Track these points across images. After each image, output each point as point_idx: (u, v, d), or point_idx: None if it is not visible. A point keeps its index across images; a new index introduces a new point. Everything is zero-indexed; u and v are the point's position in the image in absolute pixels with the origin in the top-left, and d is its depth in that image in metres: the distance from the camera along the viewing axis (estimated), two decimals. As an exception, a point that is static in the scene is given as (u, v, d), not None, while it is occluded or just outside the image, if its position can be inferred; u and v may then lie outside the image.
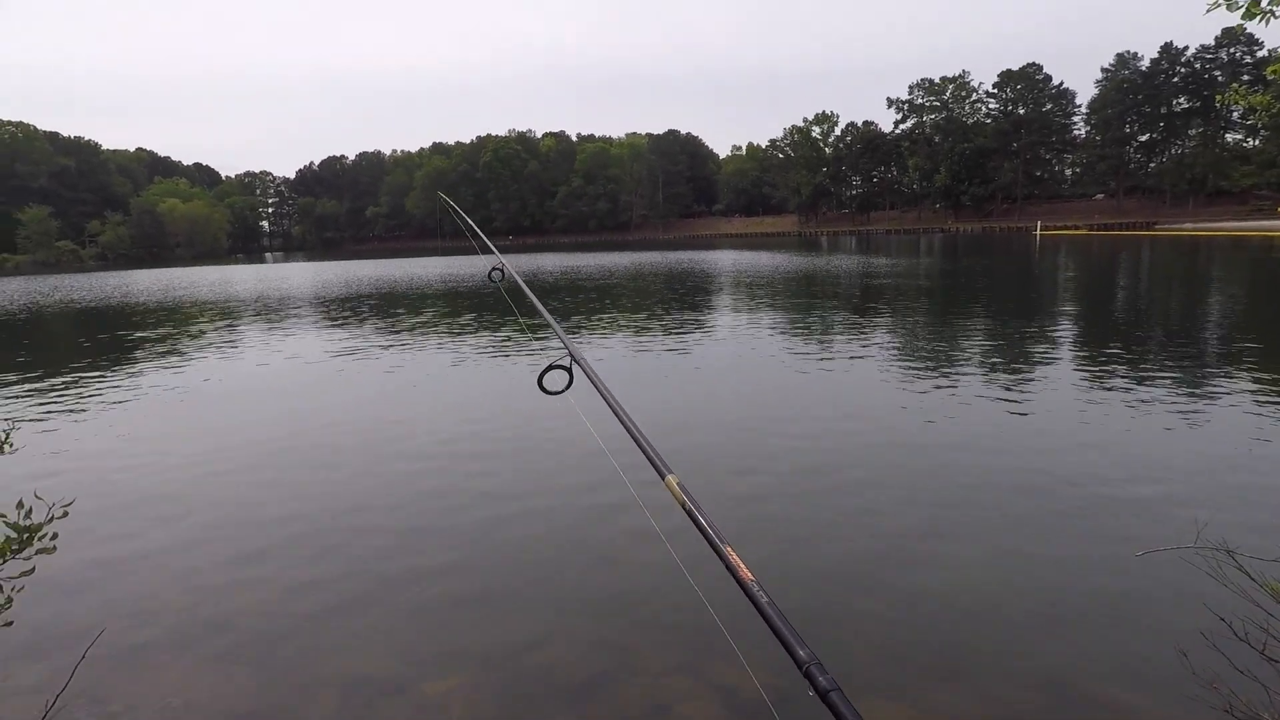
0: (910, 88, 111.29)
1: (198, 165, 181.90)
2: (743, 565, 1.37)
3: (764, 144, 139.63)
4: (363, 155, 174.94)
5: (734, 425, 10.20)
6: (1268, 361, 13.06)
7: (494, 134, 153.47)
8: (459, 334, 20.16)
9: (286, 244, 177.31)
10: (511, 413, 11.15)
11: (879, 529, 6.51)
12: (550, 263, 57.34)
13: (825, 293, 28.41)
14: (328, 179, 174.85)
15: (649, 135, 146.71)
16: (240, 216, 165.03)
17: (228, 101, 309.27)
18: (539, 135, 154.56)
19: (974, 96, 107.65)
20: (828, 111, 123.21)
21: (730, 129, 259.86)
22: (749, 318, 21.59)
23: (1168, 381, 11.47)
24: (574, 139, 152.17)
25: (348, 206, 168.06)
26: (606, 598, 5.52)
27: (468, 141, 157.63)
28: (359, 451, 9.54)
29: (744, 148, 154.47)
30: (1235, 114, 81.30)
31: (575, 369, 2.62)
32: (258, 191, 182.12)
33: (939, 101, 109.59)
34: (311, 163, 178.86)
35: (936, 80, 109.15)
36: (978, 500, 7.09)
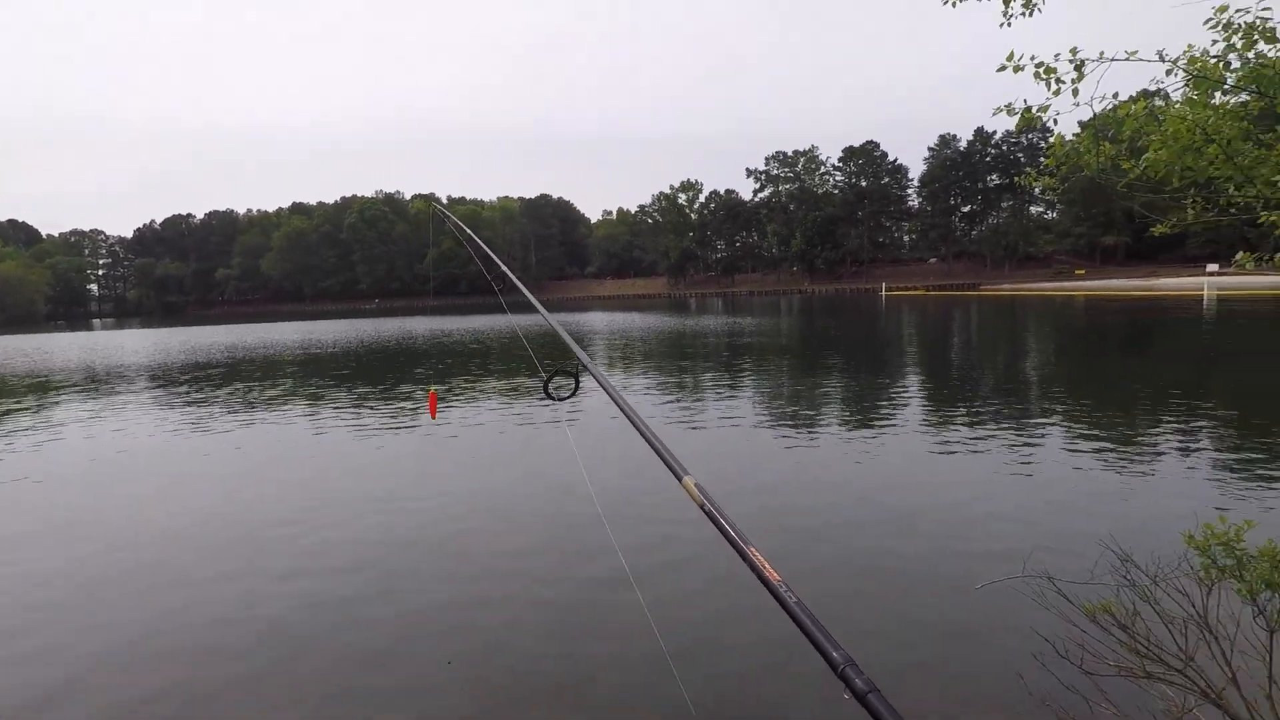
0: (766, 159, 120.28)
1: (11, 222, 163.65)
2: (768, 565, 1.30)
3: (634, 209, 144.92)
4: (213, 214, 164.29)
5: (613, 487, 10.19)
6: (1074, 405, 14.80)
7: (360, 195, 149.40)
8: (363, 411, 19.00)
9: (120, 309, 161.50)
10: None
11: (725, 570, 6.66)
12: (420, 326, 55.75)
13: (696, 352, 29.39)
14: (171, 239, 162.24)
15: (521, 199, 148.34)
16: (63, 278, 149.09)
17: (51, 152, 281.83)
18: (408, 197, 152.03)
19: (823, 169, 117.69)
20: (692, 180, 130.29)
21: (601, 194, 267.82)
22: (623, 378, 21.88)
23: (995, 425, 12.71)
24: (444, 201, 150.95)
25: (194, 268, 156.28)
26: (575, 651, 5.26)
27: (331, 202, 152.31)
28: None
29: (614, 212, 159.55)
30: (1036, 190, 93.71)
31: (584, 375, 2.62)
32: (86, 251, 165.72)
33: (792, 173, 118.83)
34: (153, 221, 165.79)
35: (789, 153, 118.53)
36: (832, 541, 7.45)
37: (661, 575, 6.72)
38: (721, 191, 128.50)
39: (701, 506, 1.50)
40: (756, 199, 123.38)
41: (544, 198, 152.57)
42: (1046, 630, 4.20)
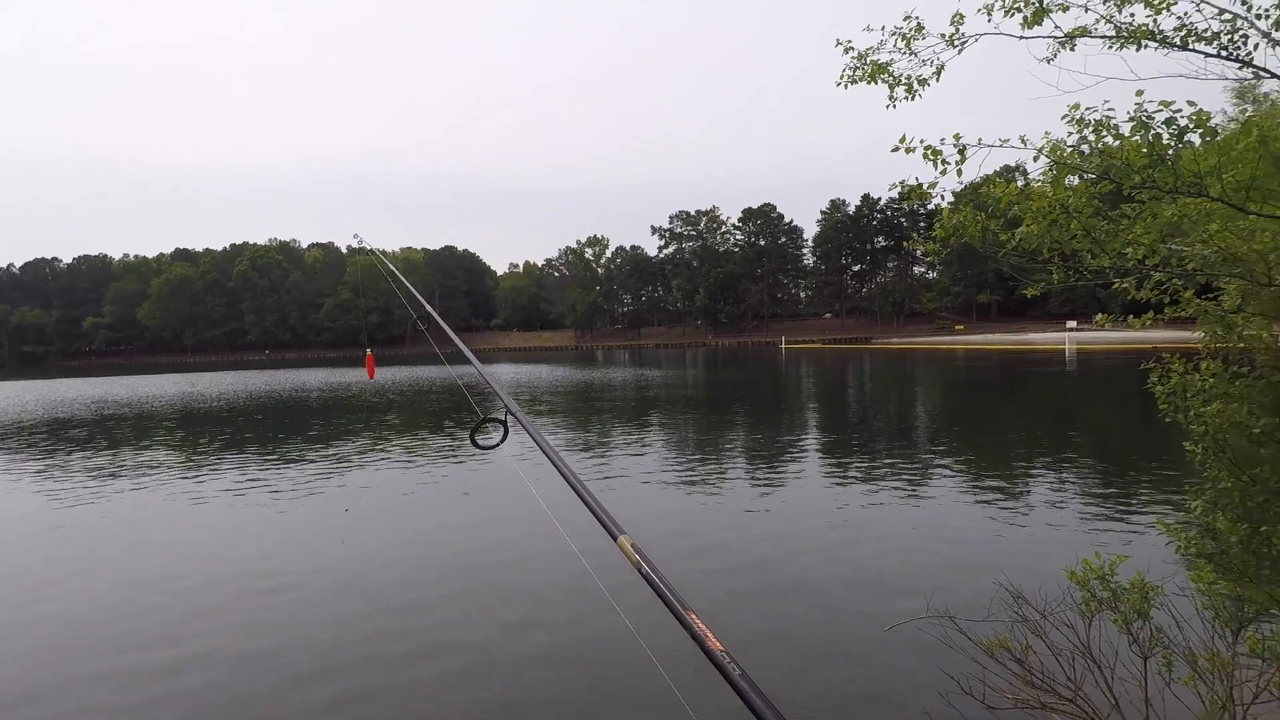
0: (670, 218, 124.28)
1: None
2: (710, 634, 1.20)
3: (540, 263, 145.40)
4: (82, 258, 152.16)
5: (520, 541, 9.99)
6: (960, 451, 15.80)
7: (252, 242, 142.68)
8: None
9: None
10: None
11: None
12: (313, 378, 53.17)
13: (606, 405, 29.46)
14: (33, 284, 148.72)
15: (425, 250, 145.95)
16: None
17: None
18: (304, 245, 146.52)
19: (723, 228, 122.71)
20: (599, 235, 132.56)
21: (508, 248, 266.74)
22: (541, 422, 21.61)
23: (890, 472, 13.39)
24: (344, 251, 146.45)
25: (58, 316, 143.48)
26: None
27: (219, 248, 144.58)
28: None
29: (521, 265, 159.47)
30: (918, 253, 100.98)
31: (511, 422, 2.52)
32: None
33: (695, 231, 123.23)
34: (11, 265, 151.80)
35: (692, 212, 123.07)
36: (745, 590, 7.57)
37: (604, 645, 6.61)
38: (628, 247, 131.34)
39: (639, 568, 1.39)
40: (661, 255, 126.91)
41: (449, 250, 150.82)
42: (951, 668, 4.42)
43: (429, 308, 4.47)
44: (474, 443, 2.60)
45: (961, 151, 4.04)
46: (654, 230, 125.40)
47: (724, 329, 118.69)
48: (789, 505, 11.37)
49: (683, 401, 29.72)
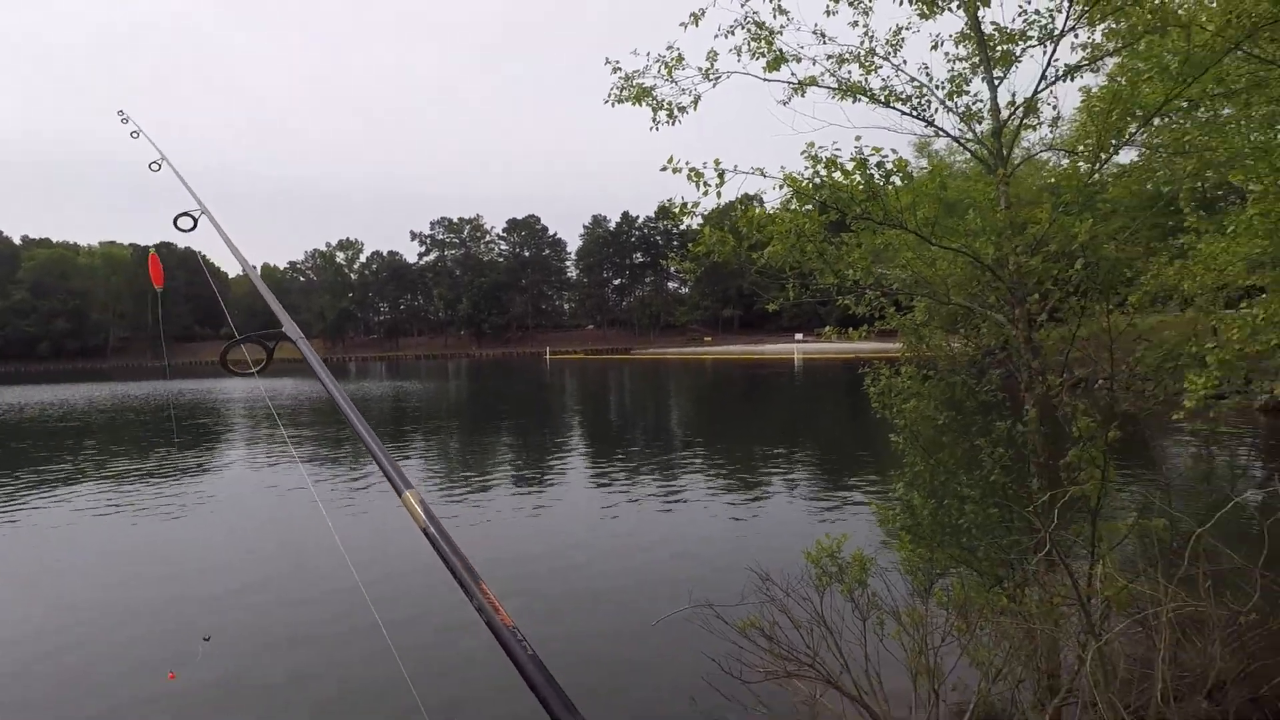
0: (431, 224, 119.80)
1: None
2: (501, 608, 1.08)
3: (283, 266, 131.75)
4: None
5: (255, 586, 8.92)
6: (710, 451, 17.21)
7: None
8: None
9: None
10: None
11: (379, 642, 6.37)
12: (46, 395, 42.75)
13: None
14: None
15: (133, 245, 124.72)
16: None
17: None
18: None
19: (488, 237, 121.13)
20: (352, 238, 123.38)
21: (244, 248, 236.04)
22: (267, 450, 19.42)
23: (648, 473, 14.17)
24: (16, 242, 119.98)
25: None
26: None
27: None
28: None
29: (259, 268, 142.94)
30: (672, 269, 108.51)
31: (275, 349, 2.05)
32: None
33: (458, 239, 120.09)
34: None
35: (455, 220, 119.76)
36: (521, 593, 7.53)
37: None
38: (384, 253, 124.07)
39: (425, 530, 1.25)
40: (422, 262, 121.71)
41: (165, 246, 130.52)
42: (712, 651, 4.77)
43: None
44: (226, 366, 2.14)
45: (721, 175, 4.42)
46: (414, 236, 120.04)
47: (488, 339, 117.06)
48: (557, 512, 11.51)
49: (445, 413, 28.73)
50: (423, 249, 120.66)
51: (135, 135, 3.45)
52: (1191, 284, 7.71)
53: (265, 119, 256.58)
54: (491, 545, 9.79)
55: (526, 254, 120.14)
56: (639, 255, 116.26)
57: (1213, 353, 6.99)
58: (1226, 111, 11.34)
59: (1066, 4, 5.78)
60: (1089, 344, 5.16)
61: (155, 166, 3.19)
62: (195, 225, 2.79)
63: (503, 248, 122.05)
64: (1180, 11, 6.55)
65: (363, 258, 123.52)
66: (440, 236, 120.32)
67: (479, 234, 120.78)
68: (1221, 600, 3.55)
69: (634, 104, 5.97)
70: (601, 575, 8.34)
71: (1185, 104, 6.42)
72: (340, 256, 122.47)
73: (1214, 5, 7.46)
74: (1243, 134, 11.60)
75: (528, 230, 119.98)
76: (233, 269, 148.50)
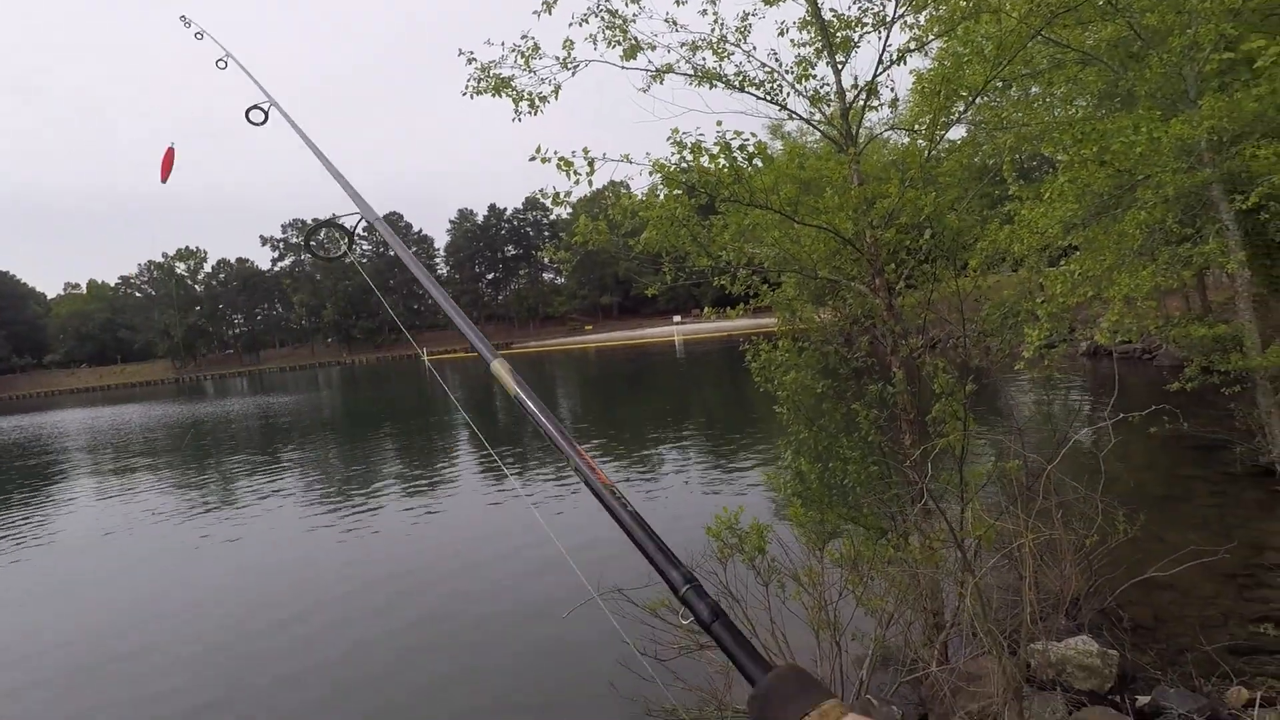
0: (283, 227, 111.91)
1: None
2: (598, 469, 1.08)
3: (114, 281, 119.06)
4: None
5: (138, 619, 8.13)
6: (602, 438, 17.32)
7: None
8: None
9: None
10: None
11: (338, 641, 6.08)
12: None
13: (220, 441, 25.41)
14: None
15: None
16: None
17: None
18: None
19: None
20: (193, 247, 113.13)
21: (62, 264, 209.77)
22: (121, 483, 17.63)
23: (545, 468, 14.09)
24: None
25: None
26: None
27: None
28: None
29: (84, 286, 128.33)
30: (546, 260, 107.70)
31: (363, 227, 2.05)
32: None
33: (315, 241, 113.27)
34: None
35: (309, 221, 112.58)
36: (433, 601, 7.32)
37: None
38: (233, 261, 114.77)
39: (515, 397, 1.35)
40: (277, 268, 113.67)
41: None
42: (625, 634, 4.83)
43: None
44: (310, 250, 2.16)
45: (591, 164, 4.43)
46: (265, 241, 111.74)
47: (360, 345, 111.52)
48: (451, 516, 11.24)
49: (318, 425, 27.17)
50: (276, 254, 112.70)
51: (199, 36, 3.26)
52: (1019, 246, 8.54)
53: (76, 121, 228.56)
54: (389, 556, 9.42)
55: (393, 253, 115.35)
56: (510, 248, 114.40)
57: (1042, 307, 7.80)
58: (1034, 90, 12.59)
59: (896, -9, 6.21)
60: (942, 307, 5.64)
61: (221, 64, 3.10)
62: (266, 118, 2.67)
63: (365, 248, 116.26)
64: (991, -1, 7.16)
65: (208, 267, 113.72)
66: (295, 240, 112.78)
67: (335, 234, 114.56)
68: (1070, 528, 4.03)
69: (493, 95, 5.86)
70: (506, 575, 8.23)
71: (1000, 84, 7.04)
72: (181, 267, 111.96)
73: (1018, -6, 8.25)
74: (1049, 109, 12.93)
75: (391, 228, 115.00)
76: (50, 288, 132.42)
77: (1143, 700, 4.31)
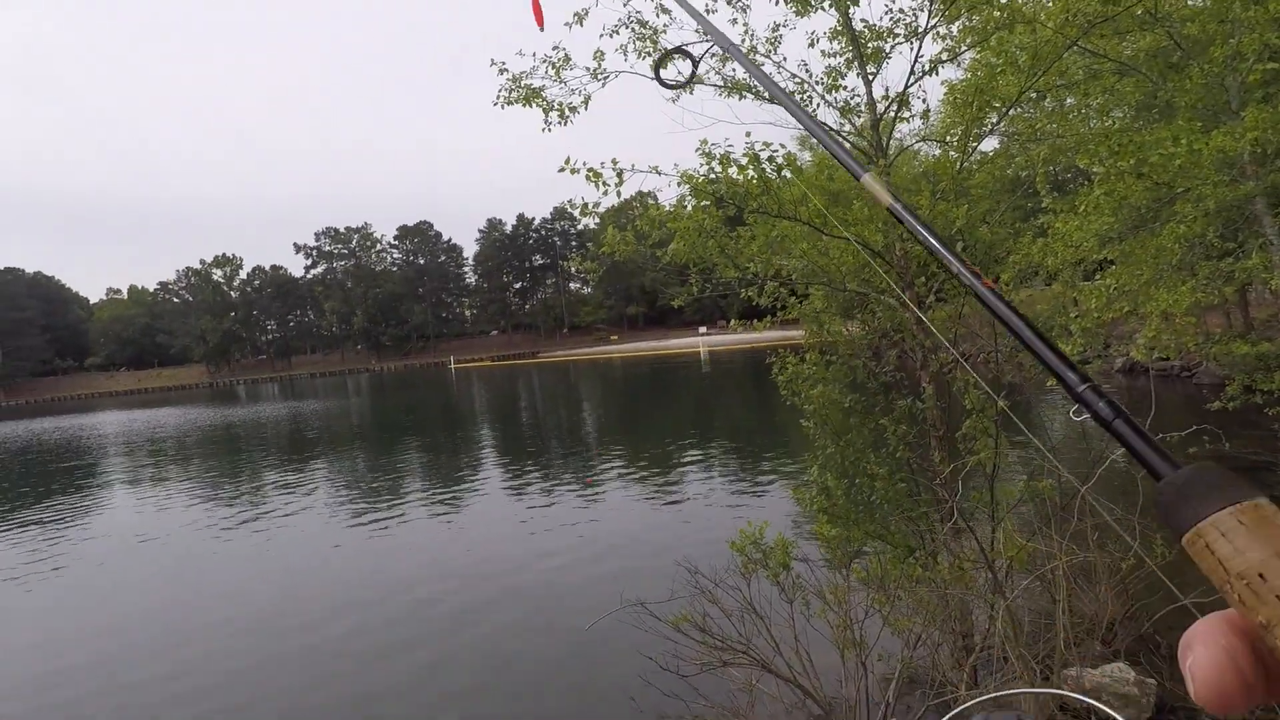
0: (317, 235, 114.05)
1: None
2: (979, 272, 1.04)
3: (154, 287, 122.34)
4: None
5: (158, 623, 8.26)
6: (627, 449, 17.29)
7: None
8: None
9: None
10: None
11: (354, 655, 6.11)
12: None
13: (252, 445, 25.85)
14: None
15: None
16: None
17: None
18: None
19: (378, 246, 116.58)
20: (229, 254, 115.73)
21: (104, 269, 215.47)
22: (155, 488, 18.00)
23: (567, 477, 14.09)
24: None
25: None
26: None
27: None
28: None
29: (125, 291, 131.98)
30: (574, 269, 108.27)
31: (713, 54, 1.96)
32: None
33: (347, 249, 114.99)
34: None
35: (342, 229, 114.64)
36: (459, 619, 7.34)
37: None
38: (267, 268, 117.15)
39: (890, 209, 1.35)
40: (309, 276, 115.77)
41: (12, 272, 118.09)
42: (647, 649, 4.80)
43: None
44: (660, 80, 2.04)
45: (619, 175, 4.44)
46: (298, 248, 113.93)
47: (388, 352, 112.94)
48: (477, 525, 11.28)
49: (348, 432, 27.51)
50: (309, 262, 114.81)
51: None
52: (1053, 260, 8.36)
53: (121, 140, 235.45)
54: (414, 563, 9.46)
55: (421, 261, 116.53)
56: (538, 257, 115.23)
57: (1076, 321, 7.61)
58: (1069, 101, 12.37)
59: (928, 2, 6.14)
60: (973, 321, 5.53)
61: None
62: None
63: (395, 256, 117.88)
64: (1026, 8, 7.08)
65: (243, 274, 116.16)
66: (327, 248, 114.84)
67: (369, 243, 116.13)
68: (1105, 550, 3.91)
69: (524, 105, 5.90)
70: (530, 585, 8.22)
71: (1035, 95, 6.94)
72: (218, 274, 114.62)
73: (1052, 5, 8.13)
74: (1084, 121, 12.68)
75: (420, 237, 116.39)
76: (93, 293, 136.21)
77: (1182, 731, 4.15)
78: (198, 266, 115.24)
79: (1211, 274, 8.73)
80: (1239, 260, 8.57)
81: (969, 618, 4.55)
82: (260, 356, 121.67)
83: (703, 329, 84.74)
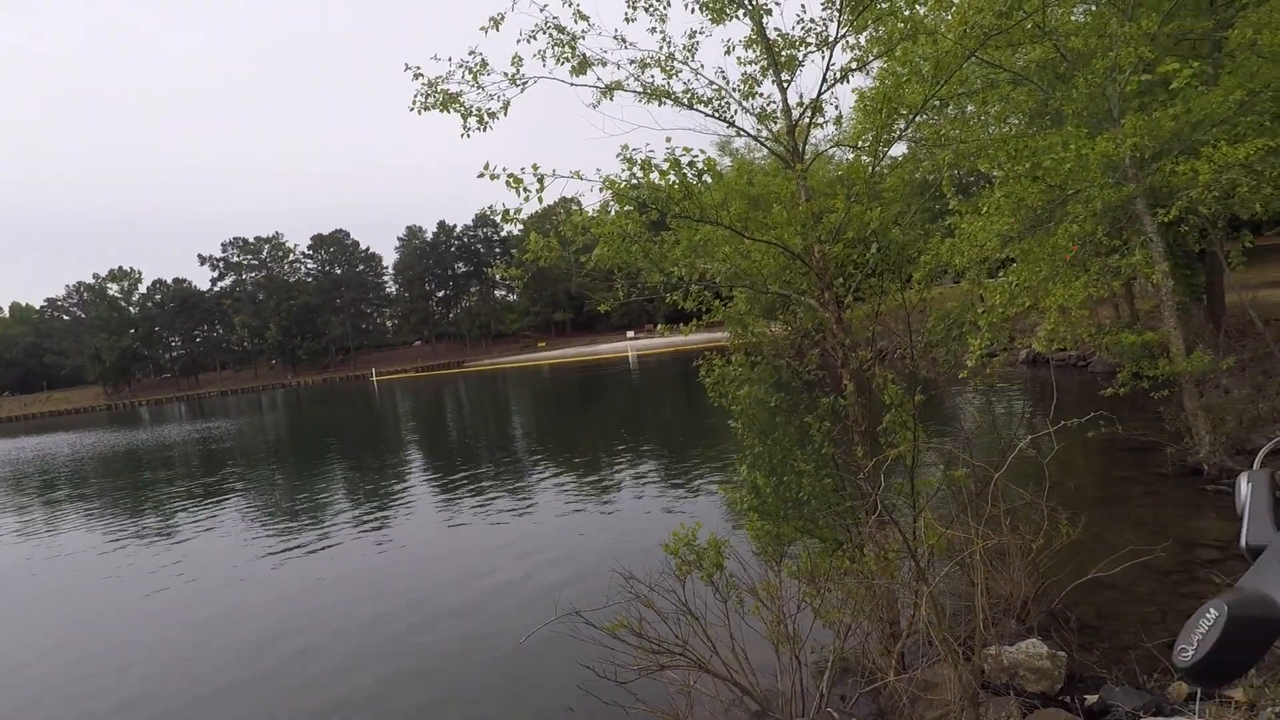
0: (224, 245, 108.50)
1: None
2: None
3: (40, 304, 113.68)
4: None
5: (61, 666, 7.64)
6: (557, 456, 17.15)
7: None
8: None
9: None
10: None
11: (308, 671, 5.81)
12: None
13: (156, 469, 24.31)
14: None
15: None
16: None
17: None
18: None
19: (291, 256, 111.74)
20: (126, 267, 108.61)
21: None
22: (48, 516, 16.68)
23: (502, 489, 13.86)
24: None
25: None
26: None
27: None
28: None
29: (6, 309, 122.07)
30: (498, 277, 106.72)
31: None
32: None
33: (257, 260, 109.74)
34: None
35: (251, 239, 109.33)
36: (378, 629, 7.08)
37: None
38: (169, 281, 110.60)
39: None
40: (217, 288, 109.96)
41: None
42: (584, 658, 4.75)
43: None
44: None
45: (540, 181, 4.39)
46: (203, 260, 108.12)
47: (305, 366, 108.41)
48: (404, 540, 10.93)
49: (263, 450, 26.24)
50: (215, 274, 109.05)
51: None
52: (960, 259, 8.77)
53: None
54: (340, 582, 9.08)
55: (338, 271, 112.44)
56: (461, 265, 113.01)
57: (983, 317, 8.00)
58: (970, 109, 13.06)
59: (837, 13, 6.36)
60: (889, 319, 5.75)
61: None
62: None
63: (310, 266, 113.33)
64: (927, 21, 7.42)
65: (143, 288, 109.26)
66: (235, 259, 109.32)
67: (281, 253, 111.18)
68: (1018, 532, 4.13)
69: (441, 110, 5.79)
70: (465, 604, 8.02)
71: (938, 103, 7.28)
72: (114, 288, 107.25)
73: (951, 18, 8.56)
74: (984, 127, 13.41)
75: (336, 246, 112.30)
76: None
77: (1091, 699, 4.42)
78: (91, 281, 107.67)
79: (1101, 270, 9.38)
80: (1125, 256, 9.25)
81: (895, 605, 4.72)
82: (164, 375, 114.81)
83: (631, 334, 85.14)
